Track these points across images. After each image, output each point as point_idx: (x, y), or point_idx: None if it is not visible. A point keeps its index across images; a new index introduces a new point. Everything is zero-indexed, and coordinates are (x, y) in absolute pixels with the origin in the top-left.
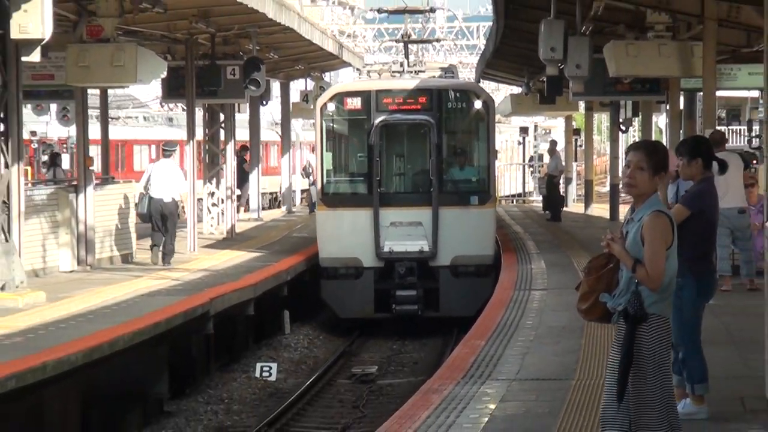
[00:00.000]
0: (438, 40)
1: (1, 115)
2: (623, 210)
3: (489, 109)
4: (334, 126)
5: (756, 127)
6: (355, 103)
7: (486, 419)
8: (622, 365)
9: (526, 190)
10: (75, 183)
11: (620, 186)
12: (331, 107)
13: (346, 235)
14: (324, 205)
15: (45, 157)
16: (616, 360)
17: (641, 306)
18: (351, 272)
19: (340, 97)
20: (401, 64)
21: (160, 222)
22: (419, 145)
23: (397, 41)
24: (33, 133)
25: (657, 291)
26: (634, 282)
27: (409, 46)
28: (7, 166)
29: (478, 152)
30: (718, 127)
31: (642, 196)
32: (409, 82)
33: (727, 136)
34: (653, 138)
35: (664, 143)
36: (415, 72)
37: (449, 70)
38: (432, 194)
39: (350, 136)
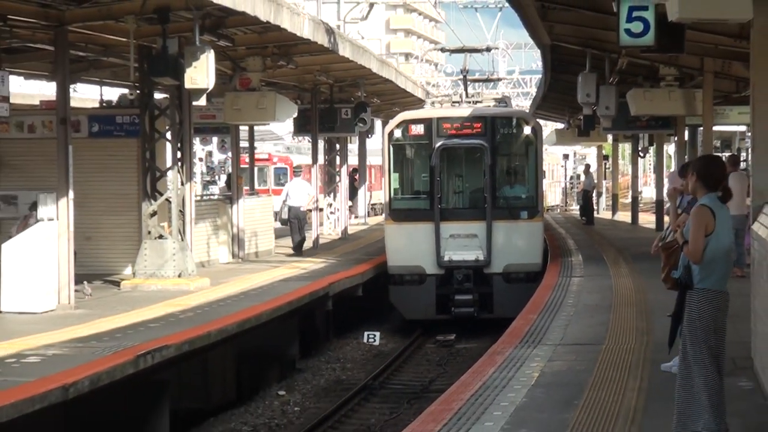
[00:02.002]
0: (499, 79)
1: (179, 146)
2: (642, 216)
3: (537, 134)
4: (400, 149)
5: (743, 154)
6: (418, 129)
7: (537, 374)
8: (672, 321)
9: (567, 201)
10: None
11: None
12: (398, 133)
13: (411, 246)
14: (392, 220)
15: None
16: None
17: (690, 277)
18: (415, 279)
19: (405, 124)
20: (460, 95)
21: (297, 223)
22: (475, 166)
23: (459, 79)
24: (200, 159)
25: (698, 264)
26: (686, 259)
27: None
28: (182, 183)
29: (527, 172)
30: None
31: (694, 193)
32: (466, 111)
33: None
34: (666, 163)
35: (674, 166)
36: (473, 102)
37: (503, 101)
38: (486, 210)
39: (414, 159)
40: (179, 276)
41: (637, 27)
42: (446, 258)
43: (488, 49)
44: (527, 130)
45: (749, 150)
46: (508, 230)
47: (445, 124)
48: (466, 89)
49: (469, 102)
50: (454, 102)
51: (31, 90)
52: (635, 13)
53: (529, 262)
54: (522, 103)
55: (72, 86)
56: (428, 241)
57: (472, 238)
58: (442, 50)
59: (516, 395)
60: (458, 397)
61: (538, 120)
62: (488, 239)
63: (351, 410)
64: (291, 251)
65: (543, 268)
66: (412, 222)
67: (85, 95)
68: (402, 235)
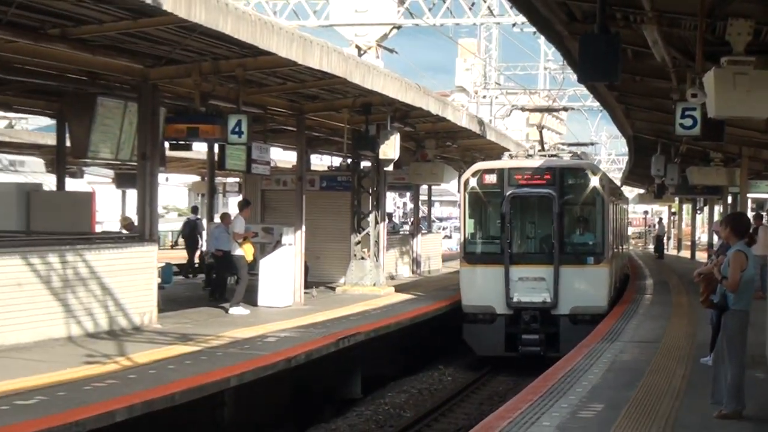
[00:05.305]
0: (592, 144)
1: (376, 197)
2: (698, 254)
3: (604, 185)
4: (475, 197)
5: None
6: (491, 178)
7: (612, 360)
8: (713, 331)
9: (646, 242)
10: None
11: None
12: (473, 182)
13: (483, 287)
14: (466, 262)
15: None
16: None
17: (725, 301)
18: (487, 318)
19: (480, 174)
20: (534, 149)
21: None
22: (544, 214)
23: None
24: (399, 207)
25: (735, 293)
26: (722, 288)
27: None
28: (377, 222)
29: (594, 220)
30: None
31: (728, 240)
32: (536, 162)
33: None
34: (715, 218)
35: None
36: (548, 155)
37: (577, 155)
38: (554, 255)
39: (487, 205)
40: (374, 285)
41: (687, 122)
42: (515, 299)
43: (565, 109)
44: (594, 181)
45: None
46: (575, 275)
47: (517, 175)
48: (541, 142)
49: (544, 155)
50: (528, 155)
51: (288, 158)
52: (687, 112)
53: (595, 305)
54: (616, 175)
55: (318, 156)
56: (499, 283)
57: (540, 281)
58: (522, 109)
59: (594, 377)
60: (553, 377)
61: (605, 173)
62: (555, 283)
63: (483, 383)
64: (453, 270)
65: (609, 309)
66: (485, 265)
67: (324, 162)
68: (475, 277)
